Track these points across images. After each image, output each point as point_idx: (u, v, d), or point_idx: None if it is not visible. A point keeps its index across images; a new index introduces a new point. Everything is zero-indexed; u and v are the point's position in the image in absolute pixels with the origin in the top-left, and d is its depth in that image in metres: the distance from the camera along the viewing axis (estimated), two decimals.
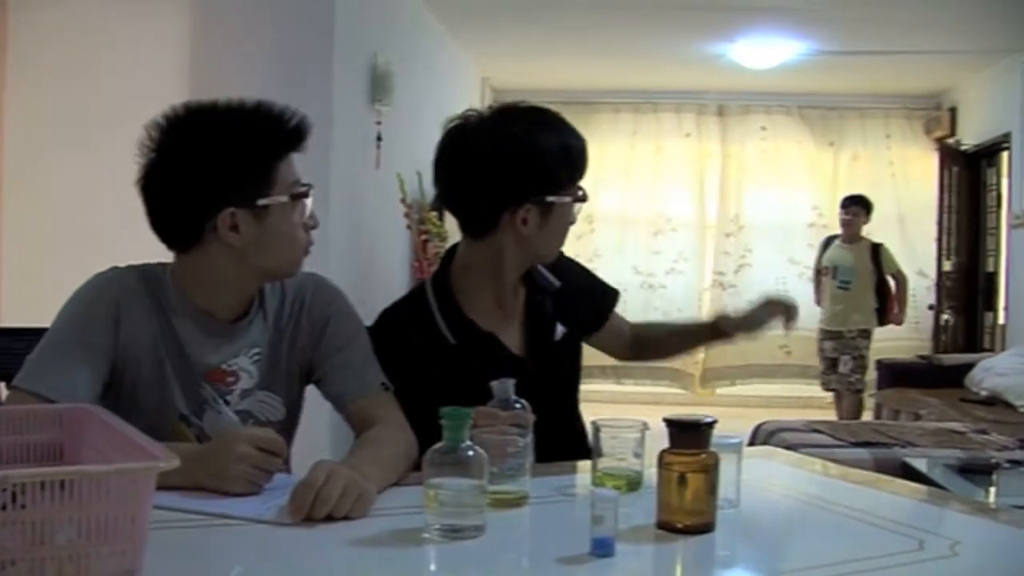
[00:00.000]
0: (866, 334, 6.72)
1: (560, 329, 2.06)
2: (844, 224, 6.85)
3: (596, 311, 2.20)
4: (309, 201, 1.73)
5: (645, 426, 1.62)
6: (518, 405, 1.66)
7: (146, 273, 1.75)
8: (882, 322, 6.79)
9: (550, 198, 1.90)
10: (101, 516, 1.07)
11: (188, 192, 1.65)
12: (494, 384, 1.67)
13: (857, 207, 6.79)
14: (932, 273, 7.72)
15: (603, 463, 1.61)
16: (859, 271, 6.70)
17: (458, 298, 1.99)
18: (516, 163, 1.88)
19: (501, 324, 2.00)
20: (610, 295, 2.24)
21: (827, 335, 6.83)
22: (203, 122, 1.67)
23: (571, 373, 2.13)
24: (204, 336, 1.73)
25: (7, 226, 4.25)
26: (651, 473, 1.45)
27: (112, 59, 4.25)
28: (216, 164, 1.64)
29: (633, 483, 1.60)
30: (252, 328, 1.77)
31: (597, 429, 1.62)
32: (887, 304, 6.71)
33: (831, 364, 6.81)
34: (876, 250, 6.74)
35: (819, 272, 7.02)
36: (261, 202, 1.65)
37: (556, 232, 1.96)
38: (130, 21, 4.24)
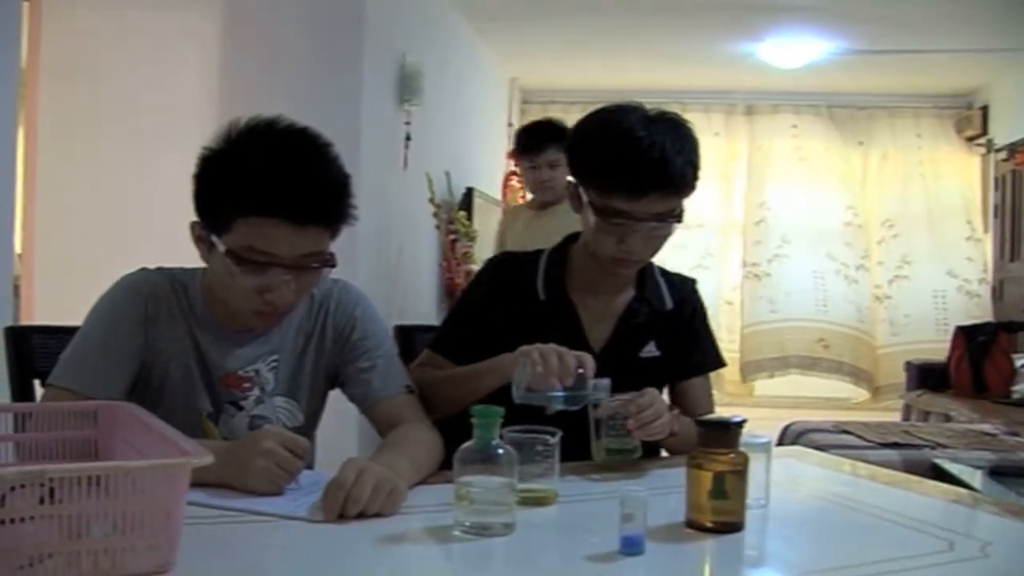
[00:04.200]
0: None
1: (652, 349, 2.01)
2: (537, 185, 4.23)
3: (681, 362, 2.05)
4: (273, 273, 1.61)
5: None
6: (588, 375, 1.67)
7: (174, 275, 1.77)
8: None
9: (580, 188, 1.92)
10: (136, 511, 1.10)
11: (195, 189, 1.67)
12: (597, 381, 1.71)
13: (555, 150, 3.95)
14: (963, 274, 7.65)
15: (605, 442, 1.75)
16: None
17: (566, 267, 2.03)
18: (568, 142, 1.98)
19: (593, 312, 2.00)
20: (705, 361, 2.10)
21: None
22: (249, 131, 1.63)
23: None
24: (220, 342, 1.76)
25: (41, 225, 4.29)
26: (680, 472, 1.45)
27: (144, 61, 4.28)
28: (209, 173, 1.63)
29: (628, 453, 1.75)
30: (272, 335, 1.79)
31: (595, 406, 1.73)
32: None
33: None
34: None
35: None
36: (212, 237, 1.63)
37: (591, 228, 1.90)
38: (161, 24, 4.27)
